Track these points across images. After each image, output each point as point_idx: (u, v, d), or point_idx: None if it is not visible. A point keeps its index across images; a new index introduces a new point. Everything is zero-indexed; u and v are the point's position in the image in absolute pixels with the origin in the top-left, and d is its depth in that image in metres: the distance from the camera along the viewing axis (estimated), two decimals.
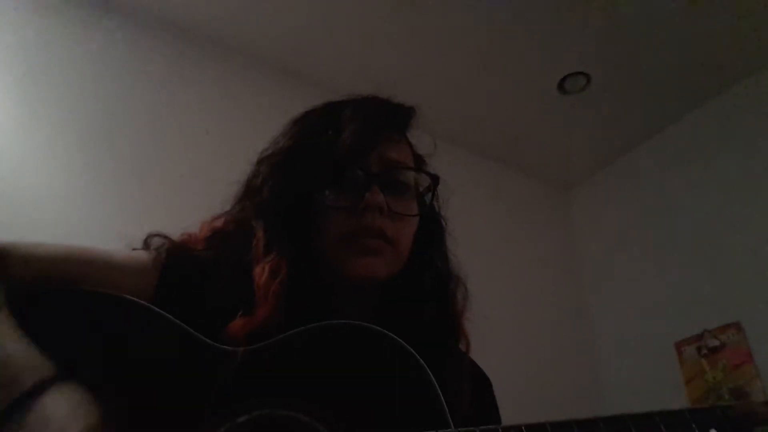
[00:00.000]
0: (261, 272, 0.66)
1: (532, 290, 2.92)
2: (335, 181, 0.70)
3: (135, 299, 0.61)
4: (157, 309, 0.60)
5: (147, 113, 2.13)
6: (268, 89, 2.46)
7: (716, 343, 2.51)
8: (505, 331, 2.49)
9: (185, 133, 2.18)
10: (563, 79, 2.67)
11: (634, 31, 2.44)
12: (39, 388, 0.52)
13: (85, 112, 2.00)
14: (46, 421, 0.50)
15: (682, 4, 2.31)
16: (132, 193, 1.95)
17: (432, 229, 0.80)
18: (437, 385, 0.57)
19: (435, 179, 0.77)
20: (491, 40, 2.47)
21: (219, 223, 0.75)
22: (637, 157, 3.10)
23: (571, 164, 3.26)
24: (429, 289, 0.76)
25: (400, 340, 0.59)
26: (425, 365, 0.58)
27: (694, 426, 0.51)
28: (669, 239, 2.83)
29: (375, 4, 2.29)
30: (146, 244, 0.71)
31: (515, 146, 3.10)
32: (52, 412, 0.51)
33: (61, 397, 0.53)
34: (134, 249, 0.71)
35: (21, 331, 0.56)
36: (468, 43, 2.49)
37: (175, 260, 0.68)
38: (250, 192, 0.77)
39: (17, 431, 0.50)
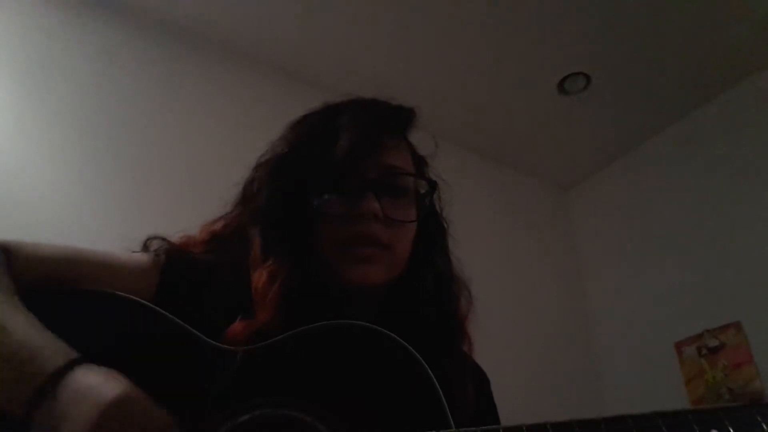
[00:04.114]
0: (259, 276, 0.66)
1: (532, 290, 2.92)
2: (332, 188, 0.70)
3: (137, 299, 0.61)
4: (158, 309, 0.61)
5: (147, 114, 2.13)
6: (268, 90, 2.46)
7: (716, 343, 2.51)
8: (505, 331, 2.49)
9: (185, 134, 2.18)
10: (563, 80, 2.67)
11: (634, 31, 2.43)
12: (63, 370, 0.51)
13: (86, 112, 2.00)
14: (81, 391, 0.49)
15: (682, 5, 2.31)
16: (131, 194, 1.95)
17: (433, 231, 0.80)
18: (438, 385, 0.57)
19: (433, 185, 0.76)
20: (491, 40, 2.47)
21: (218, 227, 0.76)
22: (637, 157, 3.10)
23: (571, 164, 3.26)
24: (431, 292, 0.75)
25: (401, 340, 0.59)
26: (426, 365, 0.58)
27: (696, 427, 0.51)
28: (669, 239, 2.83)
29: (374, 5, 2.29)
30: (145, 247, 0.71)
31: (515, 146, 3.10)
32: (85, 382, 0.50)
33: (90, 371, 0.52)
34: (133, 252, 0.71)
35: (35, 317, 0.55)
36: (468, 44, 2.48)
37: (174, 262, 0.69)
38: (246, 197, 0.77)
39: (49, 417, 0.49)
